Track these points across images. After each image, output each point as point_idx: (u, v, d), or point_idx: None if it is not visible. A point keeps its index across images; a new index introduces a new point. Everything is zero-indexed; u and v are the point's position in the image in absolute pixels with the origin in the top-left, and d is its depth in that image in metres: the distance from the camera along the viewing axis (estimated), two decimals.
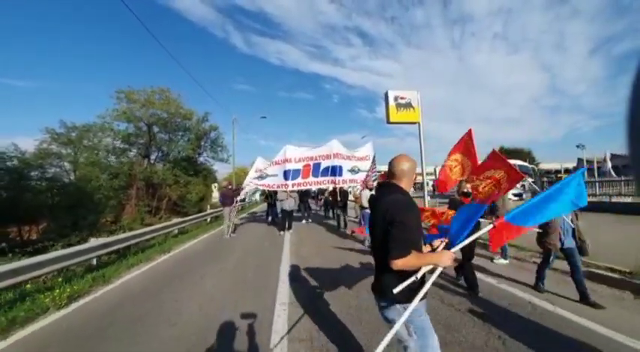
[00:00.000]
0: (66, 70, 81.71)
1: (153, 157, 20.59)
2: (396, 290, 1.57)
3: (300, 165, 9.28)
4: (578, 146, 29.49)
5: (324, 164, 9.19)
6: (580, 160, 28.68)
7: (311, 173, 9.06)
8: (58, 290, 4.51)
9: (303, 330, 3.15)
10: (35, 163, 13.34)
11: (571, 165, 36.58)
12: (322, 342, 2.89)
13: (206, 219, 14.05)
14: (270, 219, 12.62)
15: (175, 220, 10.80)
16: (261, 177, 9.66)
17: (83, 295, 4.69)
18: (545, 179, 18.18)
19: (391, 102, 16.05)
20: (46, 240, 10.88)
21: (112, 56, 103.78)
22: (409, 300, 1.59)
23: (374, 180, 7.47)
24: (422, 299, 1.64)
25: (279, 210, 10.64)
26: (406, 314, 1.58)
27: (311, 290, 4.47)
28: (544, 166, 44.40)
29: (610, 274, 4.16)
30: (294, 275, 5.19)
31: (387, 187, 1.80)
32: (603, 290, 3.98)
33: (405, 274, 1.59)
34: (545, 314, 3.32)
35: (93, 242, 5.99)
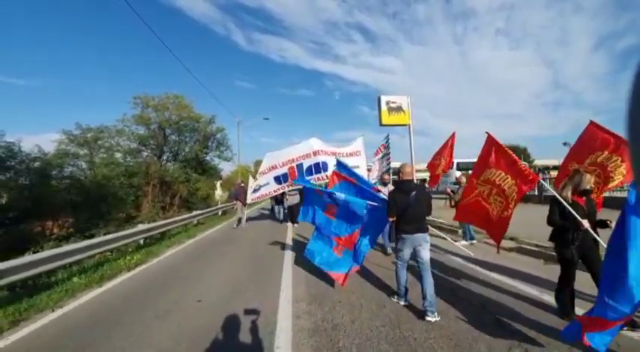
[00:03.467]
0: (67, 70, 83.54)
1: (165, 157, 22.32)
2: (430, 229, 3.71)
3: (286, 169, 9.61)
4: (565, 144, 31.08)
5: (306, 163, 9.42)
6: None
7: (297, 174, 9.37)
8: (127, 258, 6.25)
9: (301, 272, 4.87)
10: (55, 163, 14.62)
11: None
12: (315, 278, 4.60)
13: (217, 213, 15.81)
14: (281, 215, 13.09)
15: (196, 212, 12.58)
16: (256, 190, 10.09)
17: (141, 263, 6.39)
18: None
19: (383, 107, 17.62)
20: (81, 231, 12.56)
21: (116, 55, 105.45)
22: (428, 230, 3.54)
23: (385, 171, 8.78)
24: None
25: (286, 206, 11.56)
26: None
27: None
28: (540, 162, 45.86)
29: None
30: (295, 247, 6.92)
31: (410, 182, 3.61)
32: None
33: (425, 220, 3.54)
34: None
35: (141, 227, 7.71)
